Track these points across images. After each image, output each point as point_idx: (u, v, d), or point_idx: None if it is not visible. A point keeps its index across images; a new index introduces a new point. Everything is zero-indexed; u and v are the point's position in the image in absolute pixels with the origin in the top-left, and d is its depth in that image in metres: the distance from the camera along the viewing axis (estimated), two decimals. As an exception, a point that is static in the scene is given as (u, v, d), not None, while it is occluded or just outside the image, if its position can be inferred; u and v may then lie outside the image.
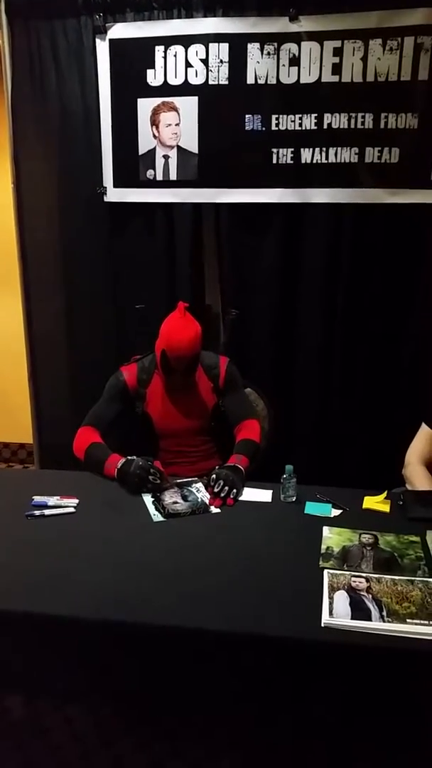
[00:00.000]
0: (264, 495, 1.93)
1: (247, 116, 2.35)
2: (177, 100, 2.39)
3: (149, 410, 2.18)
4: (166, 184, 2.47)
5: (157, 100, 2.41)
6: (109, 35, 2.42)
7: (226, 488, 1.89)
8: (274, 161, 2.36)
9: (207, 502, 1.87)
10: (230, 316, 2.43)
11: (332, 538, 1.68)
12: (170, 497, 1.89)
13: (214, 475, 1.92)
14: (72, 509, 1.84)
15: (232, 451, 2.07)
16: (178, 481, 2.00)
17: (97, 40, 2.43)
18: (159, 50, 2.39)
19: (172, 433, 2.19)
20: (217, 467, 1.98)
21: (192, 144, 2.42)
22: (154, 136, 2.44)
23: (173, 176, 2.46)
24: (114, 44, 2.43)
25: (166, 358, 2.08)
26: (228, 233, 2.50)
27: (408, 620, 1.38)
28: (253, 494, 1.93)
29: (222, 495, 1.88)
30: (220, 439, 2.22)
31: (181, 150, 2.44)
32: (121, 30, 2.42)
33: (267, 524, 1.78)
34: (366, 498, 1.88)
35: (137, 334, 2.28)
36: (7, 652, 1.45)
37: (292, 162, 2.35)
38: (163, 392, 2.18)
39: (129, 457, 1.96)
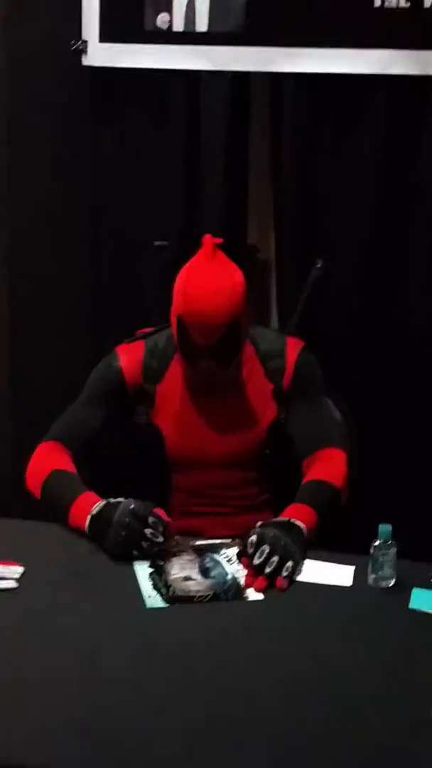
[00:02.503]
0: (340, 574, 1.91)
1: None
2: None
3: (159, 421, 2.19)
4: (190, 38, 2.47)
5: None
6: None
7: (274, 560, 1.84)
8: (378, 3, 2.34)
9: (241, 581, 1.84)
10: (316, 268, 2.35)
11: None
12: (180, 568, 1.88)
13: (254, 537, 1.89)
14: (12, 584, 1.84)
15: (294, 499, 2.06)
16: (197, 543, 1.99)
17: None
18: None
19: (195, 462, 2.20)
20: (259, 524, 1.94)
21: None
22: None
23: (202, 26, 2.46)
24: None
25: (184, 328, 2.06)
26: (292, 124, 2.48)
27: None
28: (322, 572, 1.91)
29: (267, 570, 1.84)
30: (280, 481, 2.20)
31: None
32: None
33: (344, 626, 1.73)
34: None
35: (159, 290, 2.30)
36: None
37: (408, 4, 2.32)
38: (185, 393, 2.17)
39: (112, 500, 1.95)
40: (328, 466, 2.11)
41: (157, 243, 2.43)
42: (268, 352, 2.19)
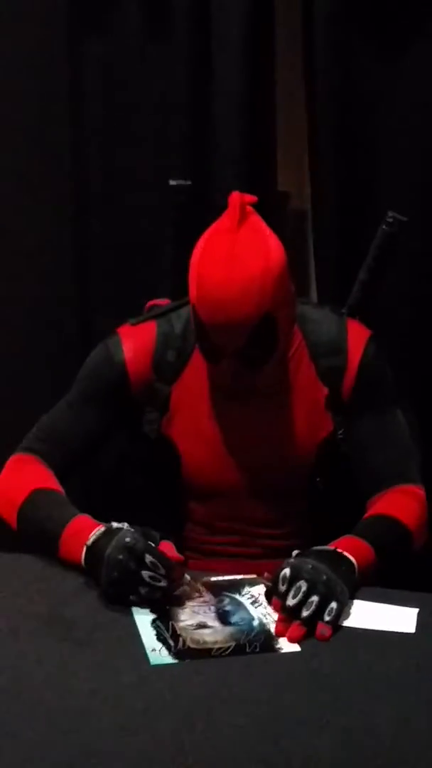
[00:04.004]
0: (400, 618, 1.89)
1: None
2: None
3: (173, 433, 2.21)
4: None
5: None
6: None
7: (314, 600, 1.82)
8: None
9: (271, 628, 1.84)
10: (386, 224, 2.30)
11: None
12: (192, 614, 1.89)
13: (287, 570, 1.87)
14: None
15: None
16: (212, 579, 2.02)
17: None
18: None
19: (218, 489, 2.23)
20: (295, 553, 1.93)
21: None
22: None
23: None
24: None
25: (200, 322, 2.03)
26: (330, 23, 2.49)
27: None
28: (376, 615, 1.90)
29: (304, 614, 1.82)
30: (332, 517, 2.19)
31: None
32: None
33: (406, 686, 1.69)
34: None
35: (172, 248, 2.38)
36: None
37: None
38: (209, 397, 2.19)
39: (115, 524, 1.95)
40: (400, 501, 2.13)
41: (173, 182, 2.42)
42: (322, 344, 2.17)
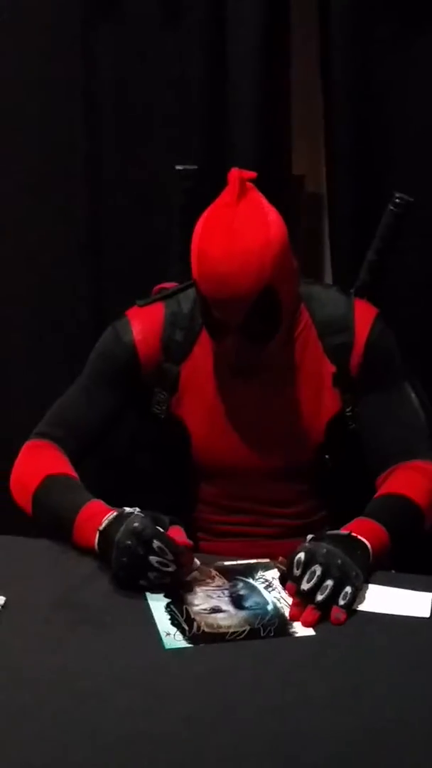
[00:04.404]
0: (415, 602, 1.88)
1: None
2: None
3: (183, 413, 2.21)
4: None
5: None
6: None
7: (328, 584, 1.81)
8: None
9: (285, 612, 1.83)
10: (393, 204, 2.30)
11: None
12: (206, 598, 1.89)
13: (301, 554, 1.86)
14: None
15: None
16: (227, 564, 2.00)
17: None
18: None
19: (228, 469, 2.22)
20: (309, 537, 1.92)
21: None
22: None
23: None
24: None
25: (202, 298, 2.04)
26: (346, 14, 2.45)
27: None
28: (391, 600, 1.88)
29: (319, 598, 1.81)
30: (342, 495, 2.21)
31: None
32: None
33: (420, 670, 1.68)
34: None
35: (179, 232, 2.35)
36: None
37: None
38: (218, 376, 2.19)
39: (128, 509, 1.94)
40: (409, 479, 2.10)
41: (180, 167, 2.42)
42: (329, 322, 2.16)
